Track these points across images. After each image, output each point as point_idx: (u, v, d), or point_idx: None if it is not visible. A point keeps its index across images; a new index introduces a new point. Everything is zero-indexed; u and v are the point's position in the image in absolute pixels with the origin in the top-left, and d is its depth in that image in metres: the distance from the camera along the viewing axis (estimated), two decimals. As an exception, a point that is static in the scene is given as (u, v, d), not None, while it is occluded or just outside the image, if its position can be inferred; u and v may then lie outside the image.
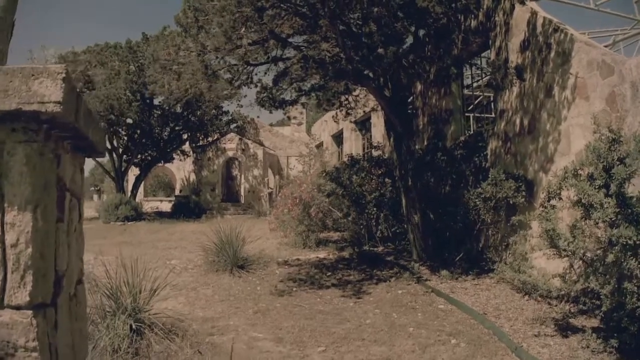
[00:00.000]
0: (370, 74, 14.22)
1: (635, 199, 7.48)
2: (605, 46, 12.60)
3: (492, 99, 17.56)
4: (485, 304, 11.45)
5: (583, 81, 11.44)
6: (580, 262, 8.71)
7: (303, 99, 15.51)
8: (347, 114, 17.25)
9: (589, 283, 8.53)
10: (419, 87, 19.17)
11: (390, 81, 14.37)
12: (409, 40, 14.03)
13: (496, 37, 14.95)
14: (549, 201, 8.96)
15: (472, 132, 17.85)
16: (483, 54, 16.93)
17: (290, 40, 13.55)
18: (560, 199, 8.67)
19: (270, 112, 15.35)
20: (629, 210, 7.44)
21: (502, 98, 14.55)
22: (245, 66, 13.57)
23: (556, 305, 10.62)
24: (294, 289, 13.16)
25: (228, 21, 11.57)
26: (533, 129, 13.11)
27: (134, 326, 8.62)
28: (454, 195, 14.26)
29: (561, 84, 12.04)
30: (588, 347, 8.51)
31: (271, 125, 50.68)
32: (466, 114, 18.91)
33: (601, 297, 8.25)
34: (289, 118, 15.64)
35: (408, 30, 12.36)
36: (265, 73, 14.42)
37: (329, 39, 12.94)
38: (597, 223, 7.99)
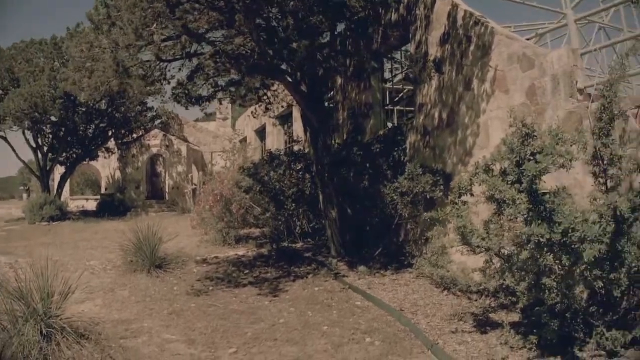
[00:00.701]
0: (288, 69, 13.90)
1: (549, 195, 7.10)
2: (528, 39, 12.25)
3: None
4: (403, 300, 11.16)
5: (503, 74, 11.25)
6: (497, 257, 8.34)
7: (219, 95, 15.02)
8: (266, 109, 16.87)
9: (504, 279, 8.25)
10: (339, 81, 18.84)
11: (307, 76, 14.03)
12: (329, 34, 13.71)
13: (416, 31, 14.66)
14: (459, 197, 8.61)
15: (393, 126, 17.51)
16: (404, 48, 16.58)
17: (207, 35, 13.14)
18: (471, 194, 8.31)
19: (186, 108, 14.87)
20: (541, 207, 7.09)
21: (421, 91, 14.27)
22: (158, 62, 13.07)
23: (476, 300, 10.42)
24: (211, 288, 12.76)
25: (139, 17, 11.11)
26: (452, 122, 12.89)
27: (44, 331, 8.18)
28: (373, 190, 13.89)
29: (480, 77, 11.83)
30: (507, 343, 8.25)
31: (197, 120, 49.99)
32: (391, 108, 18.65)
33: (517, 293, 7.98)
34: (205, 114, 15.33)
35: (323, 23, 11.90)
36: (180, 69, 13.94)
37: (245, 33, 12.51)
38: (511, 219, 7.69)
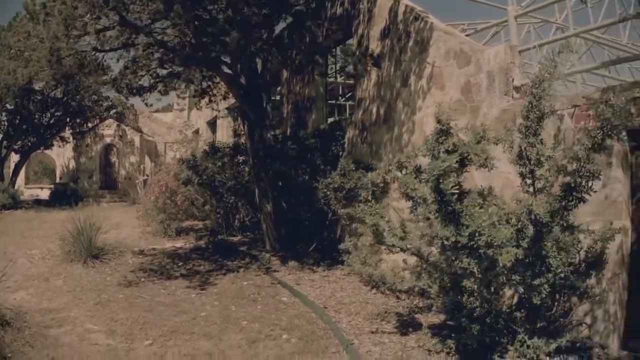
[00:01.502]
0: (228, 61, 13.52)
1: (464, 195, 6.65)
2: (467, 35, 11.82)
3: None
4: (329, 297, 10.87)
5: (439, 70, 10.90)
6: (416, 257, 7.92)
7: (160, 86, 14.50)
8: (210, 100, 16.43)
9: (420, 281, 7.87)
10: (284, 74, 18.34)
11: (245, 69, 13.64)
12: (268, 26, 13.23)
13: (359, 25, 14.28)
14: (373, 194, 8.10)
15: (333, 120, 17.08)
16: (348, 42, 16.09)
17: (153, 26, 12.68)
18: (385, 192, 7.82)
19: (127, 99, 14.41)
20: (449, 208, 6.52)
21: (360, 86, 13.90)
22: (94, 53, 12.74)
23: (404, 300, 10.10)
24: (143, 279, 12.41)
25: (69, 9, 10.85)
26: (389, 118, 12.52)
27: (-29, 319, 7.65)
28: (308, 185, 13.37)
29: (418, 73, 11.48)
30: (423, 346, 7.90)
31: (157, 111, 49.24)
32: (335, 102, 18.20)
33: (432, 296, 7.60)
34: (146, 104, 14.87)
35: (256, 15, 11.39)
36: (118, 60, 13.43)
37: (183, 24, 12.17)
38: (428, 218, 7.21)
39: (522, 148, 7.17)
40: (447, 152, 6.86)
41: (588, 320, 7.74)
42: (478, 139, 7.15)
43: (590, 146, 6.02)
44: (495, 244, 6.17)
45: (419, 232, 7.42)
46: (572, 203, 6.33)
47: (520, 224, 6.46)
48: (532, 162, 7.14)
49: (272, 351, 8.06)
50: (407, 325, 8.96)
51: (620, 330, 7.57)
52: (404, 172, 7.66)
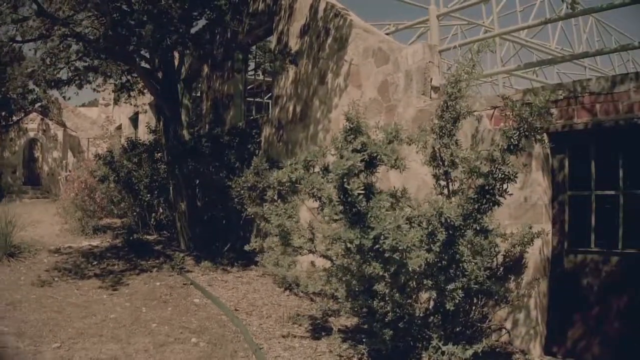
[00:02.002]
0: (147, 55, 13.13)
1: (362, 196, 6.09)
2: (387, 34, 11.42)
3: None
4: (241, 299, 10.44)
5: (357, 69, 10.52)
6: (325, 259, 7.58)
7: (77, 80, 13.66)
8: (129, 95, 15.83)
9: (328, 285, 7.44)
10: (205, 70, 17.70)
11: (162, 63, 13.19)
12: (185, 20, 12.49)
13: (280, 22, 13.81)
14: (279, 194, 7.64)
15: (250, 118, 16.59)
16: (270, 38, 15.59)
17: (71, 18, 11.83)
18: (295, 191, 7.36)
19: (44, 92, 13.69)
20: (354, 209, 6.05)
21: (278, 84, 13.49)
22: (11, 43, 12.14)
23: (318, 302, 9.55)
24: (56, 279, 11.78)
25: None
26: (305, 117, 12.10)
27: None
28: (224, 183, 12.84)
29: (335, 71, 11.10)
30: (334, 352, 7.56)
31: (83, 105, 47.91)
32: (254, 100, 17.71)
33: (339, 300, 7.20)
34: (64, 98, 14.27)
35: (172, 8, 10.81)
36: (35, 51, 12.62)
37: (101, 16, 11.60)
38: (335, 220, 6.65)
39: (436, 149, 6.83)
40: (355, 151, 6.37)
41: (508, 325, 7.53)
42: (390, 139, 6.76)
43: (505, 147, 5.61)
44: (400, 247, 5.69)
45: (328, 234, 6.91)
46: (486, 206, 5.92)
47: (431, 227, 6.04)
48: (445, 163, 6.81)
49: (179, 355, 7.61)
50: (319, 329, 8.61)
51: (542, 336, 7.43)
52: (311, 170, 7.17)
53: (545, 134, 7.10)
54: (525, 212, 7.60)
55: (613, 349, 6.86)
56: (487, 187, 5.74)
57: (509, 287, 7.10)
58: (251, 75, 18.14)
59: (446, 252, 6.14)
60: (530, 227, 7.11)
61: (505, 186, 5.80)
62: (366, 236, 5.88)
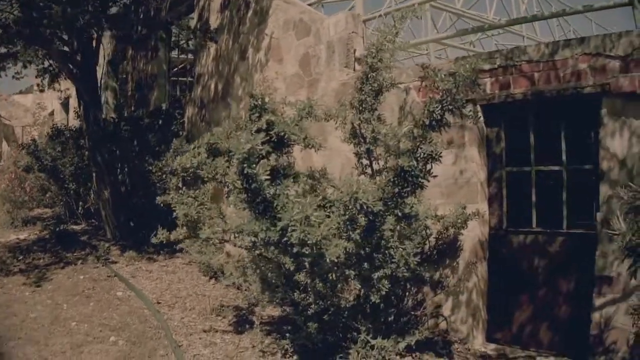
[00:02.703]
0: (65, 37, 11.92)
1: (268, 182, 5.17)
2: (310, 4, 10.45)
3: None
4: (165, 290, 9.63)
5: (278, 42, 9.70)
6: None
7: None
8: (52, 80, 14.66)
9: (244, 277, 6.89)
10: (129, 51, 16.57)
11: (82, 46, 12.08)
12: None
13: (201, -3, 12.79)
14: (184, 180, 6.77)
15: (172, 98, 15.61)
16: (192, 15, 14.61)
17: None
18: (196, 177, 6.50)
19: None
20: (261, 197, 5.14)
21: (200, 62, 12.59)
22: None
23: (246, 291, 8.64)
24: None
25: None
26: (227, 95, 11.23)
27: None
28: (144, 168, 11.90)
29: (256, 46, 10.26)
30: (256, 347, 6.89)
31: (20, 92, 46.13)
32: (178, 79, 16.70)
33: (254, 293, 6.76)
34: None
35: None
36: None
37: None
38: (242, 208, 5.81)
39: (355, 125, 6.00)
40: (260, 131, 5.53)
41: (447, 312, 7.13)
42: (302, 115, 6.04)
43: (427, 123, 4.68)
44: (310, 242, 4.79)
45: (233, 225, 6.04)
46: (408, 189, 5.02)
47: (349, 213, 5.15)
48: (367, 140, 6.01)
49: (97, 356, 6.90)
50: (244, 321, 7.92)
51: (483, 322, 7.02)
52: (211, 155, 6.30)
53: (478, 107, 6.73)
54: (459, 190, 7.01)
55: (561, 333, 6.49)
56: (407, 168, 4.82)
57: (444, 272, 6.91)
58: (177, 55, 17.05)
59: (369, 239, 5.37)
60: (465, 207, 6.61)
61: (428, 167, 4.87)
62: (273, 228, 5.01)
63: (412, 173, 4.76)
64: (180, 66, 17.80)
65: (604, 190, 5.98)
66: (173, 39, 16.08)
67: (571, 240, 6.47)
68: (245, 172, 4.81)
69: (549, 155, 6.65)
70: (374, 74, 5.97)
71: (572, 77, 6.20)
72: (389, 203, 5.04)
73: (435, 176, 4.92)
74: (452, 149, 6.99)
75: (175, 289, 9.66)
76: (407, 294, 6.64)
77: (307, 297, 6.01)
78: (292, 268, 5.49)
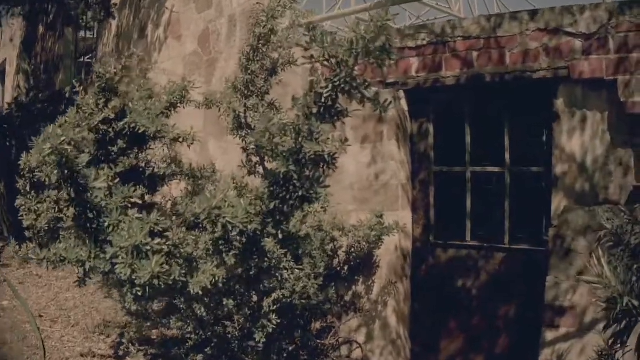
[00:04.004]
0: None
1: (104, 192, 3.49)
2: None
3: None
4: (51, 300, 7.89)
5: (178, 17, 8.15)
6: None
7: None
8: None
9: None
10: (40, 30, 14.73)
11: None
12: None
13: (108, -29, 11.05)
14: (31, 182, 5.15)
15: (74, 81, 13.82)
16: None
17: None
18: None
19: None
20: (93, 213, 3.42)
21: (102, 41, 10.99)
22: None
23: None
24: None
25: None
26: (125, 76, 9.19)
27: None
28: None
29: (156, 21, 8.72)
30: None
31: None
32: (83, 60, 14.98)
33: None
34: None
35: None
36: None
37: None
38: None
39: (240, 113, 4.38)
40: (106, 121, 4.09)
41: (361, 338, 5.82)
42: (171, 101, 4.57)
43: (314, 111, 2.88)
44: (138, 282, 3.03)
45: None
46: (292, 203, 3.22)
47: (219, 232, 3.44)
48: (253, 129, 4.52)
49: None
50: (129, 342, 6.37)
51: (405, 352, 5.73)
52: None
53: (400, 93, 5.49)
54: (375, 195, 5.64)
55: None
56: (289, 175, 3.05)
57: (357, 291, 5.76)
58: (90, 35, 15.29)
59: (249, 261, 3.79)
60: (381, 216, 5.29)
61: (317, 173, 3.08)
62: (103, 255, 3.33)
63: (296, 184, 3.02)
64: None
65: (558, 200, 4.67)
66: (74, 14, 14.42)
67: (514, 258, 5.15)
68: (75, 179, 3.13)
69: (488, 155, 5.29)
70: (264, 49, 4.32)
71: (520, 59, 4.85)
72: (268, 220, 3.33)
73: (327, 186, 3.19)
74: (366, 145, 5.64)
75: (63, 299, 8.03)
76: (310, 320, 5.48)
77: (187, 326, 4.91)
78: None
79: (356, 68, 2.62)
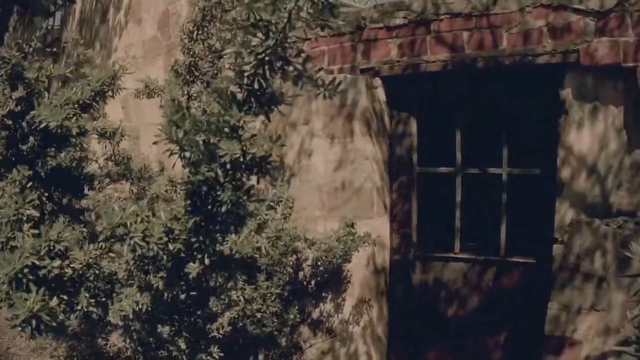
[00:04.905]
0: None
1: None
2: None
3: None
4: None
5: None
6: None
7: None
8: None
9: None
10: (11, 20, 13.96)
11: None
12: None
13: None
14: None
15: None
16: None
17: None
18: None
19: None
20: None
21: (67, 28, 9.94)
22: None
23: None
24: None
25: None
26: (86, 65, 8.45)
27: None
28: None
29: (117, 4, 7.98)
30: None
31: None
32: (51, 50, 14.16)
33: None
34: None
35: None
36: None
37: None
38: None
39: (178, 102, 3.43)
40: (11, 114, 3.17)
41: None
42: (97, 90, 3.46)
43: (229, 101, 1.96)
44: (15, 322, 2.17)
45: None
46: (219, 219, 2.31)
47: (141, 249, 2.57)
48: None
49: None
50: None
51: None
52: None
53: (377, 80, 4.65)
54: (347, 201, 4.76)
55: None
56: (211, 184, 2.16)
57: (326, 310, 4.92)
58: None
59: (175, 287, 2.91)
60: (352, 225, 4.43)
61: (249, 182, 2.16)
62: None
63: (218, 197, 2.12)
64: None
65: (563, 209, 3.88)
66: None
67: (511, 273, 4.38)
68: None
69: (482, 154, 4.51)
70: (209, 26, 3.49)
71: (519, 41, 4.05)
72: (193, 239, 2.46)
73: (262, 200, 2.29)
74: (336, 141, 4.76)
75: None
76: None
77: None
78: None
79: (291, 35, 1.72)
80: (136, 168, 4.14)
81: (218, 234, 2.44)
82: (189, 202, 2.27)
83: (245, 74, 1.77)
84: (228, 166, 2.03)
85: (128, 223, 2.35)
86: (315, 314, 4.83)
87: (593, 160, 3.76)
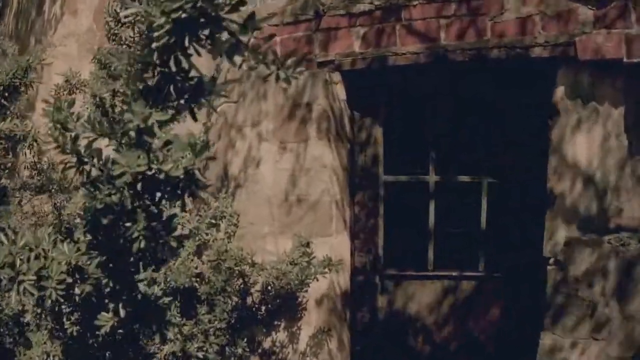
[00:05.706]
0: None
1: None
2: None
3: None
4: None
5: None
6: None
7: None
8: None
9: None
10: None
11: None
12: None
13: None
14: None
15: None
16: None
17: None
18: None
19: None
20: None
21: (3, 21, 9.19)
22: None
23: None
24: None
25: None
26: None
27: None
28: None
29: None
30: None
31: None
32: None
33: None
34: None
35: None
36: None
37: None
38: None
39: (101, 100, 3.12)
40: None
41: None
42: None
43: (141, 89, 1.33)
44: None
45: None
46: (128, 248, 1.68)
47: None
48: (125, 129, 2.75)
49: None
50: None
51: None
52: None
53: (337, 75, 3.98)
54: (301, 216, 4.16)
55: None
56: (114, 210, 1.52)
57: (279, 339, 4.30)
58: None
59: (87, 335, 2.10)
60: (308, 244, 3.74)
61: (153, 210, 1.53)
62: None
63: (131, 233, 1.49)
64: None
65: (554, 224, 3.40)
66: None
67: (493, 294, 3.87)
68: None
69: (459, 160, 3.98)
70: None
71: (506, 31, 3.50)
72: (103, 280, 1.81)
73: (181, 238, 1.66)
74: (288, 147, 4.16)
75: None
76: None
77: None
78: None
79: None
80: (57, 178, 3.52)
81: (135, 276, 1.79)
82: (89, 237, 1.61)
83: (154, 45, 1.11)
84: (138, 187, 1.38)
85: (17, 262, 1.68)
86: (266, 344, 4.25)
87: (589, 168, 3.31)
